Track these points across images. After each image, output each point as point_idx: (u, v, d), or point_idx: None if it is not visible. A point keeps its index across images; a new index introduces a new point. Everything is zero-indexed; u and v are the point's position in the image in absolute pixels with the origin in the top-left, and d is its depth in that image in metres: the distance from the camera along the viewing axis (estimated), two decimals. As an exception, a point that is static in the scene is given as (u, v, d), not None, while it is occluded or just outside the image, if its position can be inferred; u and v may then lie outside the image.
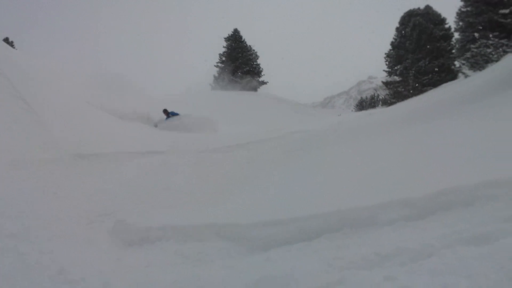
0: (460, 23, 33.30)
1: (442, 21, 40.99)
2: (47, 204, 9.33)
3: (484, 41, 28.82)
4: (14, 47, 44.67)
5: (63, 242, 7.14)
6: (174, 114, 24.75)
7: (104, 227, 8.17)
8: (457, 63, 36.19)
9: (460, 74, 34.21)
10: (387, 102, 44.95)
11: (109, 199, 10.12)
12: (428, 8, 42.34)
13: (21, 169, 11.35)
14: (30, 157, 12.61)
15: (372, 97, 73.38)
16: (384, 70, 42.08)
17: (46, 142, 13.96)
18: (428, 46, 37.00)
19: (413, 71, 37.18)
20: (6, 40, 49.12)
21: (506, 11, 27.10)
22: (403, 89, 39.03)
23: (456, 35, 35.73)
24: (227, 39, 60.29)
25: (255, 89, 56.77)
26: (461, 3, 32.51)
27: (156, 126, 23.48)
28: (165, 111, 24.87)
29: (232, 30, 60.71)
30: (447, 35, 39.35)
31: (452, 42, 37.88)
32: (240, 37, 60.33)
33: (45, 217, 8.34)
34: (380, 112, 23.72)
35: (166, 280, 5.41)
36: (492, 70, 18.24)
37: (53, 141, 14.19)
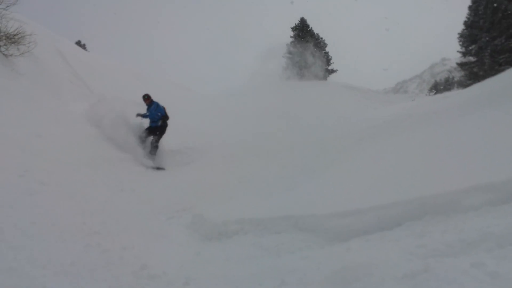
0: (538, -4, 31.94)
1: (518, -4, 39.36)
2: (126, 201, 9.58)
3: None
4: (86, 49, 46.11)
5: (144, 237, 7.30)
6: (159, 109, 15.49)
7: (182, 222, 8.31)
8: (536, 39, 34.77)
9: (539, 51, 32.85)
10: (462, 84, 43.55)
11: (184, 194, 10.30)
12: (501, -17, 40.75)
13: (100, 167, 11.70)
14: (108, 155, 12.98)
15: (447, 80, 71.68)
16: (458, 51, 40.88)
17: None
18: (503, 24, 35.68)
19: (489, 51, 35.91)
20: (78, 43, 50.69)
21: None
22: (479, 70, 37.82)
23: (534, 9, 34.33)
24: (294, 28, 59.93)
25: (324, 77, 56.29)
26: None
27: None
28: (146, 98, 15.79)
29: (299, 20, 60.33)
30: (524, 10, 37.79)
31: (529, 18, 36.44)
32: (307, 25, 59.85)
33: (125, 214, 8.56)
34: (456, 94, 23.05)
35: (245, 273, 5.42)
36: None
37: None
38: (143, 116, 15.52)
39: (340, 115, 22.18)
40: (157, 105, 15.52)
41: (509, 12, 35.27)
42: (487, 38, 36.51)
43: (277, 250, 6.13)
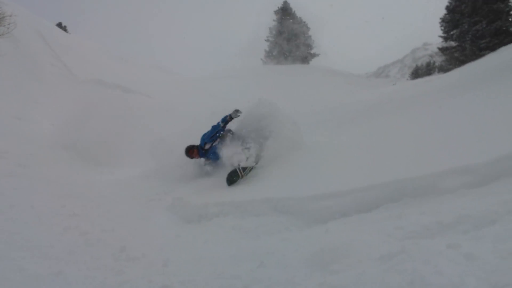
0: (519, -18, 32.04)
1: (499, -19, 39.37)
2: (106, 184, 9.56)
3: (545, 0, 27.64)
4: (67, 32, 45.66)
5: (124, 220, 7.30)
6: (212, 134, 10.16)
7: (162, 205, 8.31)
8: (516, 25, 34.99)
9: (520, 36, 33.07)
10: (443, 69, 43.78)
11: (164, 178, 10.28)
12: (483, -32, 40.67)
13: (79, 151, 11.65)
14: (89, 139, 12.92)
15: (428, 64, 71.84)
16: (439, 36, 41.00)
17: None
18: (485, 9, 35.81)
19: (470, 36, 36.06)
20: (59, 25, 50.09)
21: None
22: (460, 55, 37.98)
23: (515, -5, 34.41)
24: (277, 12, 59.76)
25: (307, 61, 56.35)
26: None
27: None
28: (191, 150, 10.44)
29: (282, 3, 60.18)
30: (505, -5, 37.85)
31: (510, 3, 36.53)
32: (290, 9, 59.73)
33: (105, 197, 8.55)
34: (436, 79, 23.17)
35: (224, 255, 5.45)
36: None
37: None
38: (208, 162, 10.45)
39: (321, 100, 22.22)
40: (199, 151, 10.42)
41: (490, -3, 35.39)
42: (469, 23, 36.65)
43: (257, 232, 6.15)
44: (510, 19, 35.14)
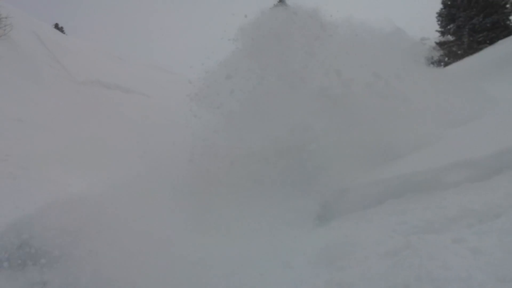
0: (515, -26, 31.93)
1: (495, -26, 39.21)
2: (108, 186, 9.55)
3: (542, -8, 27.56)
4: (64, 33, 45.49)
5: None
6: None
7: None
8: (512, 18, 34.94)
9: (516, 29, 33.04)
10: (441, 63, 43.83)
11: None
12: (479, -38, 40.44)
13: (80, 152, 11.64)
14: (89, 139, 12.91)
15: (426, 59, 71.75)
16: (436, 30, 40.87)
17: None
18: (480, 3, 35.72)
19: (467, 29, 35.99)
20: (56, 26, 49.85)
21: None
22: (457, 49, 37.87)
23: (511, -12, 34.35)
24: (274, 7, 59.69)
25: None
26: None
27: None
28: None
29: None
30: (501, -11, 37.74)
31: (505, -3, 36.49)
32: (286, 6, 59.69)
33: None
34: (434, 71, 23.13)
35: (233, 252, 5.42)
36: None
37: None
38: None
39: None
40: None
41: (486, -9, 35.35)
42: (465, 17, 36.59)
43: (260, 231, 6.12)
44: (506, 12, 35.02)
